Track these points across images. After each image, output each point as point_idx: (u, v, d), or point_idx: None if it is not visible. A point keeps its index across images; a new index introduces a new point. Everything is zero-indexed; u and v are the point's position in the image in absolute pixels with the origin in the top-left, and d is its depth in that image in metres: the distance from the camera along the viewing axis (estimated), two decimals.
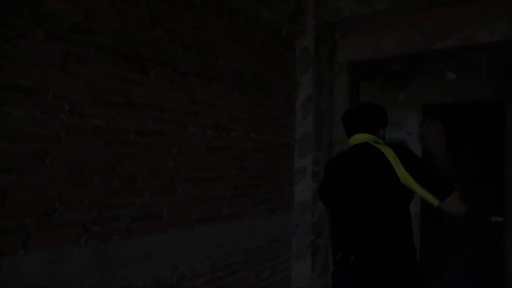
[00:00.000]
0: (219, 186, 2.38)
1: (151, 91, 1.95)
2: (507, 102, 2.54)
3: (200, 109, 2.24)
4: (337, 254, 1.74)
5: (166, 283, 2.04)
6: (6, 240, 1.45)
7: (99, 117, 1.73)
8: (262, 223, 2.72)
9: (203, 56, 2.26)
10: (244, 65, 2.57)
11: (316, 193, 2.94)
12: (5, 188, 1.45)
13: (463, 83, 4.25)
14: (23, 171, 1.49)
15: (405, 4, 2.71)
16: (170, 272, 2.06)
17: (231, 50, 2.47)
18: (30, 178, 1.51)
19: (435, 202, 1.53)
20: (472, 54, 3.11)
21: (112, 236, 1.80)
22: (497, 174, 2.75)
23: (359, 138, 1.80)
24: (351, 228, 1.70)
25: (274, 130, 2.86)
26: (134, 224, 1.89)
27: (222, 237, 2.39)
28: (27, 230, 1.51)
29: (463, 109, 5.83)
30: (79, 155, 1.66)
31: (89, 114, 1.69)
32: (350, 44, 3.18)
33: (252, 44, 2.65)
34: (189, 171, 2.17)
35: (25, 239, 1.51)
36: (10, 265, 1.46)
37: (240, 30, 2.54)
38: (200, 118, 2.24)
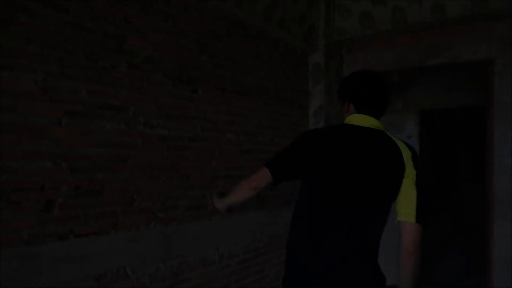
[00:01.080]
0: None
1: (200, 106, 2.43)
2: (488, 109, 3.02)
3: (235, 119, 2.71)
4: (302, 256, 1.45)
5: (210, 260, 2.51)
6: (102, 222, 1.92)
7: (164, 127, 2.21)
8: (281, 213, 3.19)
9: (236, 74, 2.73)
10: (266, 80, 3.05)
11: None
12: (102, 182, 1.92)
13: (456, 90, 4.71)
14: (113, 169, 1.97)
15: (402, 26, 3.18)
16: (213, 252, 2.54)
17: (256, 68, 2.94)
18: (118, 175, 1.99)
19: (411, 219, 1.33)
20: (460, 69, 3.59)
21: (172, 221, 2.27)
22: None
23: (372, 123, 1.45)
24: (334, 229, 1.40)
25: (291, 135, 3.33)
26: (188, 212, 2.36)
27: (251, 224, 2.87)
28: (116, 215, 1.98)
29: (460, 112, 6.29)
30: (150, 158, 2.14)
31: (156, 125, 2.17)
32: (356, 59, 3.66)
33: (272, 62, 3.13)
34: (227, 169, 2.64)
35: (114, 222, 1.98)
36: (105, 242, 1.93)
37: (263, 51, 3.02)
38: (235, 126, 2.71)
